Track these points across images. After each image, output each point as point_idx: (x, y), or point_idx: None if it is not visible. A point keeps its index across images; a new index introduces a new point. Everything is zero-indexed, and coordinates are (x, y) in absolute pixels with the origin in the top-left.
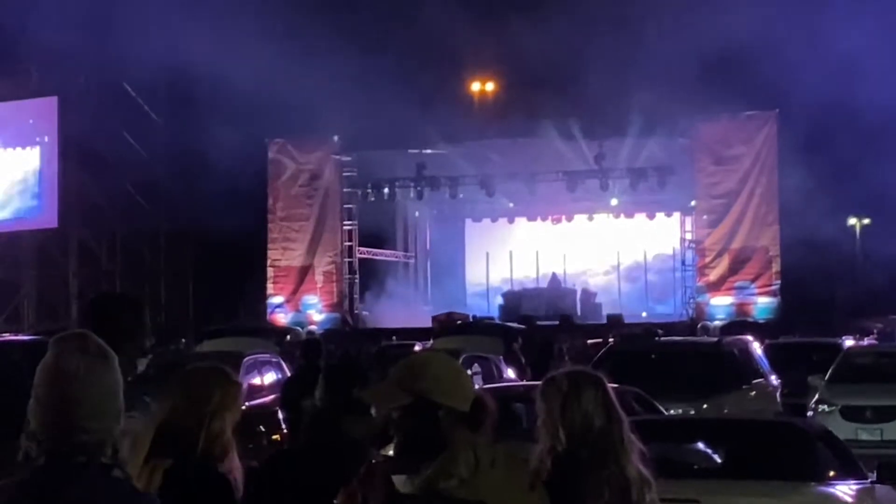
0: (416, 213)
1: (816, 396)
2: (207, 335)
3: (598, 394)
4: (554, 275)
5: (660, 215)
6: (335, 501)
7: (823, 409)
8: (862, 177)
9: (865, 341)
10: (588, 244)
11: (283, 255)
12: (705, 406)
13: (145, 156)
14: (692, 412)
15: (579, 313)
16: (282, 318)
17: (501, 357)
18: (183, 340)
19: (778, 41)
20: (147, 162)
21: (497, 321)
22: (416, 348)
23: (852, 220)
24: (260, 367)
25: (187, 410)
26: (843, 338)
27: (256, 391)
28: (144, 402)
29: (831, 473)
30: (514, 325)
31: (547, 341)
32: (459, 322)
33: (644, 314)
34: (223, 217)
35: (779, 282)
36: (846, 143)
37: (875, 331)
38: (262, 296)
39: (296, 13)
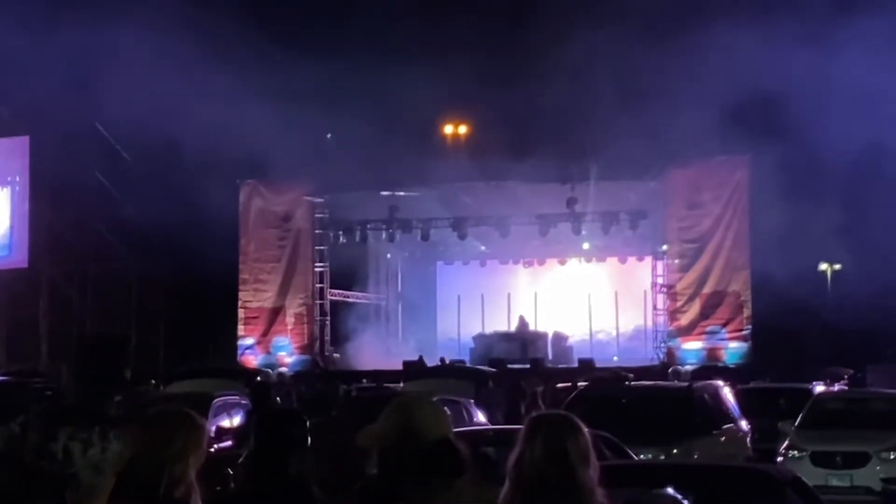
0: (388, 256)
1: (786, 442)
2: (177, 376)
3: (572, 438)
4: (521, 318)
5: (631, 259)
6: None
7: (793, 455)
8: (833, 222)
9: (836, 387)
10: (560, 288)
11: (255, 296)
12: (675, 451)
13: (117, 196)
14: (662, 457)
15: (550, 357)
16: (252, 359)
17: (472, 400)
18: (153, 381)
19: (750, 86)
20: (119, 202)
21: (468, 364)
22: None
23: (823, 266)
24: (229, 409)
25: (150, 453)
26: (814, 383)
27: (225, 433)
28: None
29: None
30: (485, 368)
31: (516, 385)
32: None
33: (615, 358)
34: (194, 258)
35: (750, 327)
36: (818, 189)
37: (846, 377)
38: (233, 337)
39: (270, 56)
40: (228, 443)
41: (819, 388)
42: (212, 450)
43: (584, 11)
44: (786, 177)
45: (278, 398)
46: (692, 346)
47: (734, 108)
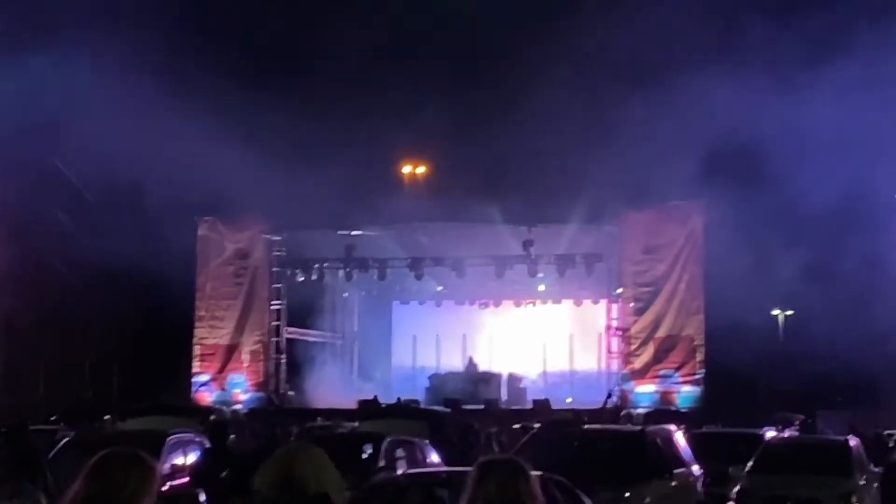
0: (345, 294)
1: (738, 487)
2: (132, 412)
3: (523, 481)
4: (475, 361)
5: (587, 302)
6: None
7: (745, 500)
8: (786, 269)
9: (787, 432)
10: (515, 329)
11: (211, 333)
12: (628, 495)
13: (75, 232)
14: (615, 501)
15: (505, 398)
16: (207, 396)
17: (427, 441)
18: (107, 417)
19: (707, 134)
20: (76, 238)
21: (423, 404)
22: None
23: (776, 312)
24: (184, 447)
25: (102, 496)
26: (765, 428)
27: (179, 471)
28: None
29: None
30: (440, 408)
31: (467, 425)
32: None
33: (569, 400)
34: (151, 294)
35: (703, 371)
36: (772, 235)
37: (797, 422)
38: (188, 374)
39: (230, 95)
40: (183, 480)
41: (770, 433)
42: (165, 488)
43: (544, 58)
44: (740, 223)
45: (233, 436)
46: (645, 390)
47: (690, 155)
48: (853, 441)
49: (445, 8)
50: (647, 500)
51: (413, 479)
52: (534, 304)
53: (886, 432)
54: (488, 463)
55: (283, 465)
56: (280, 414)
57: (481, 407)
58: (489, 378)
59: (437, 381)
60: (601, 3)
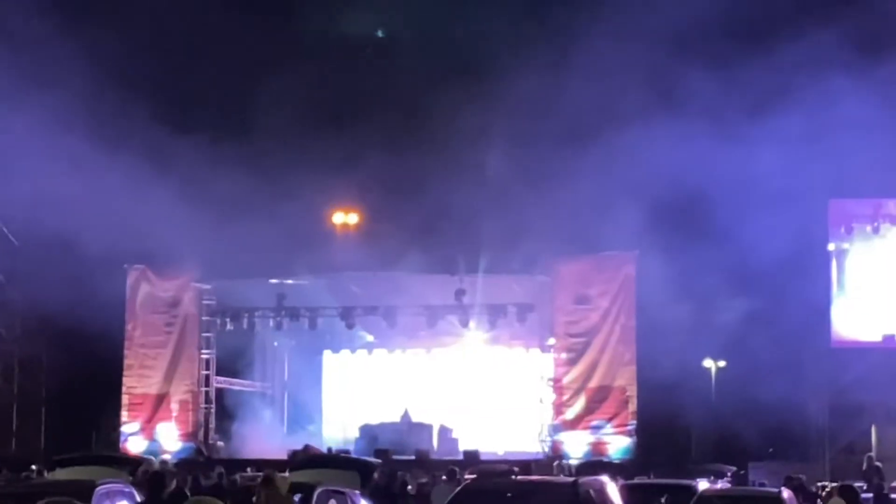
0: (275, 343)
1: None
2: (59, 463)
3: None
4: (406, 411)
5: (519, 352)
6: None
7: None
8: (718, 319)
9: (719, 484)
10: (447, 379)
11: (140, 382)
12: None
13: (1, 279)
14: None
15: (436, 448)
16: (136, 446)
17: (357, 492)
18: (34, 468)
19: (639, 184)
20: (2, 286)
21: (353, 454)
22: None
23: (708, 363)
24: (112, 498)
25: None
26: (698, 480)
27: None
28: None
29: None
30: (371, 459)
31: (393, 476)
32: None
33: (500, 451)
34: (79, 342)
35: (635, 422)
36: (704, 286)
37: (729, 474)
38: (117, 424)
39: (160, 141)
40: None
41: (702, 484)
42: None
43: (473, 107)
44: (674, 273)
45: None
46: (578, 440)
47: (624, 205)
48: (786, 493)
49: (380, 62)
50: None
51: None
52: (466, 355)
53: (819, 484)
54: None
55: None
56: (209, 464)
57: (412, 457)
58: (420, 428)
59: (369, 431)
60: (533, 55)
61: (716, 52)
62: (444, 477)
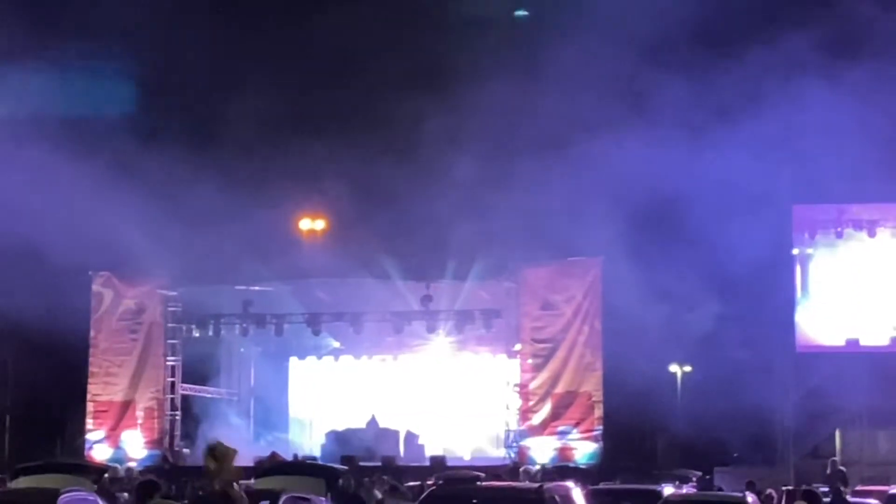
0: (242, 350)
1: None
2: (23, 471)
3: None
4: (373, 417)
5: (485, 357)
6: None
7: None
8: (684, 325)
9: (685, 489)
10: (413, 384)
11: (105, 389)
12: None
13: None
14: None
15: (403, 455)
16: (101, 454)
17: (323, 498)
18: None
19: (605, 189)
20: None
21: (320, 461)
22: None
23: (674, 368)
24: None
25: None
26: (663, 485)
27: None
28: None
29: None
30: (337, 465)
31: (360, 483)
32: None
33: (467, 457)
34: (43, 349)
35: (601, 427)
36: (669, 291)
37: (694, 479)
38: (82, 431)
39: (125, 148)
40: None
41: (668, 489)
42: None
43: (440, 113)
44: (640, 279)
45: (126, 494)
46: (544, 446)
47: (590, 210)
48: (751, 497)
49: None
50: None
51: None
52: (432, 361)
53: (784, 488)
54: None
55: None
56: (174, 472)
57: (378, 464)
58: (387, 434)
59: (335, 438)
60: (500, 62)
61: (681, 59)
62: (386, 488)
